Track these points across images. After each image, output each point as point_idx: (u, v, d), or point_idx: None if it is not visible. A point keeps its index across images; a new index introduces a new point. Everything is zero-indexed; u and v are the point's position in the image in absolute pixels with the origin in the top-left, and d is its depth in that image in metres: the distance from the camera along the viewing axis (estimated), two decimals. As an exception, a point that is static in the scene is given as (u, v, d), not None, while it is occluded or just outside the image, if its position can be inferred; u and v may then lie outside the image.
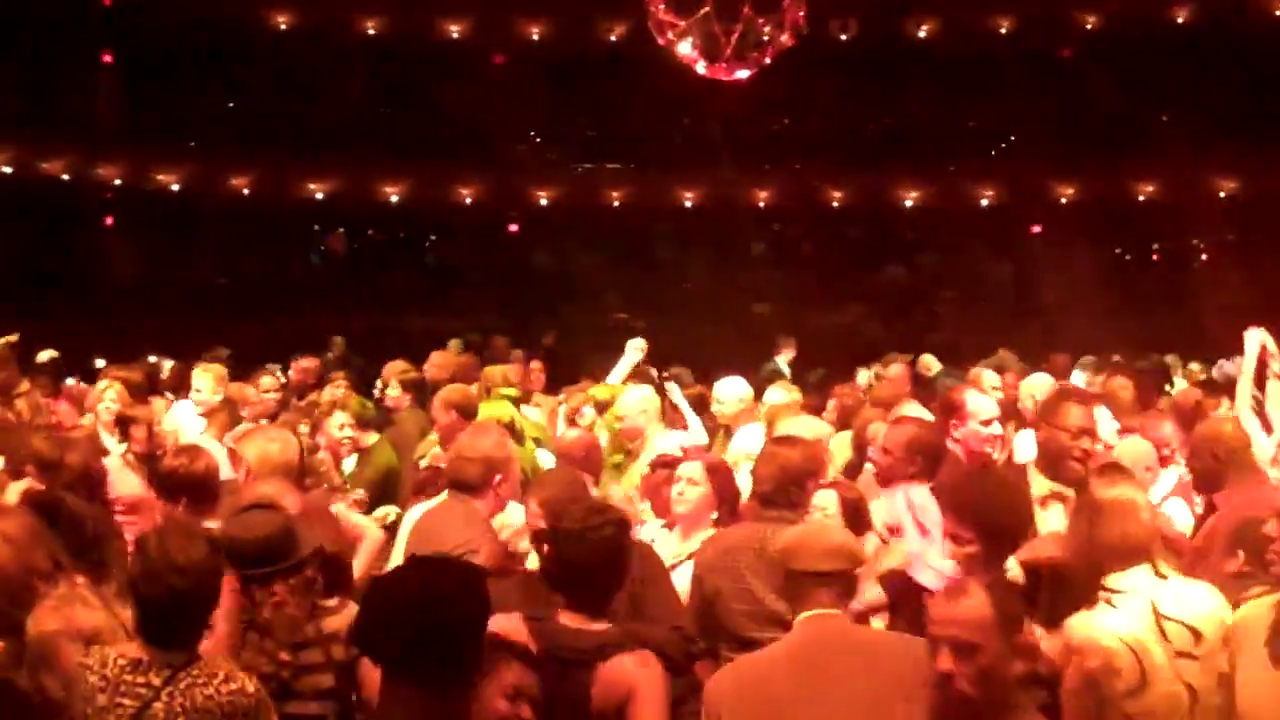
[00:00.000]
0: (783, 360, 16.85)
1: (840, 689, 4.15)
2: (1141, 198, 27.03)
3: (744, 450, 7.66)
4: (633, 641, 4.38)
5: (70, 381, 11.35)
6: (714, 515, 6.07)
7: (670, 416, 9.57)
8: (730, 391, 9.43)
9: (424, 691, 3.32)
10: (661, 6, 13.13)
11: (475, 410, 8.31)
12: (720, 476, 6.14)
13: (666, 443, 7.73)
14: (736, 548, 5.62)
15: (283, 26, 27.88)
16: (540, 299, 26.57)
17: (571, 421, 9.93)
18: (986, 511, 4.98)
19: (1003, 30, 27.22)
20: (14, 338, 11.13)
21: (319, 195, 28.08)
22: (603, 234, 30.15)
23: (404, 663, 3.33)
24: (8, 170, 25.90)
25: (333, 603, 4.66)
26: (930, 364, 15.03)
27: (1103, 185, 26.81)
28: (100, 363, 15.16)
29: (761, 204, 27.99)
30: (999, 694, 3.69)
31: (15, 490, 6.04)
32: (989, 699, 3.66)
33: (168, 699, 3.82)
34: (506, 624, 4.08)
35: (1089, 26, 27.07)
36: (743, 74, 13.54)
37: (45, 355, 13.93)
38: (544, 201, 28.21)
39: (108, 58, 28.20)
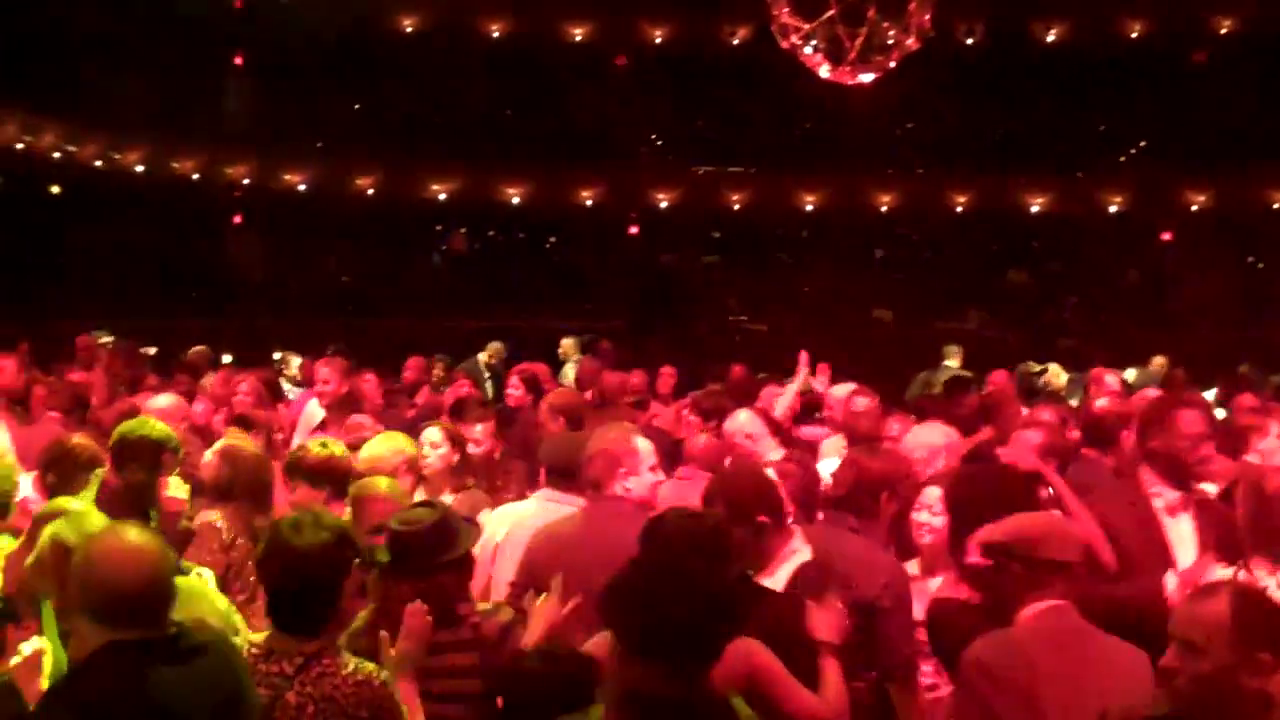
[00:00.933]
0: (952, 363, 16.28)
1: (1091, 673, 4.17)
2: (1275, 205, 26.38)
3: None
4: None
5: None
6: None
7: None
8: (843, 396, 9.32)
9: (669, 668, 3.36)
10: (785, 10, 13.06)
11: (583, 417, 8.20)
12: (793, 479, 5.95)
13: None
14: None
15: (409, 29, 28.23)
16: (659, 301, 26.57)
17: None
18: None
19: (1134, 34, 26.74)
20: (107, 337, 11.42)
21: (442, 196, 28.36)
22: (723, 237, 30.13)
23: (655, 641, 3.37)
24: (140, 169, 26.49)
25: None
26: (1055, 374, 14.74)
27: (1234, 192, 26.21)
28: (227, 359, 15.41)
29: (884, 208, 27.76)
30: (1217, 702, 3.56)
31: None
32: (1205, 706, 3.54)
33: (299, 688, 3.83)
34: None
35: (1223, 31, 26.50)
36: (867, 77, 13.43)
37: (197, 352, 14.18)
38: (664, 204, 28.23)
39: (238, 60, 28.74)
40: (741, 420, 7.58)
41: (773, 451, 7.15)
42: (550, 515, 5.75)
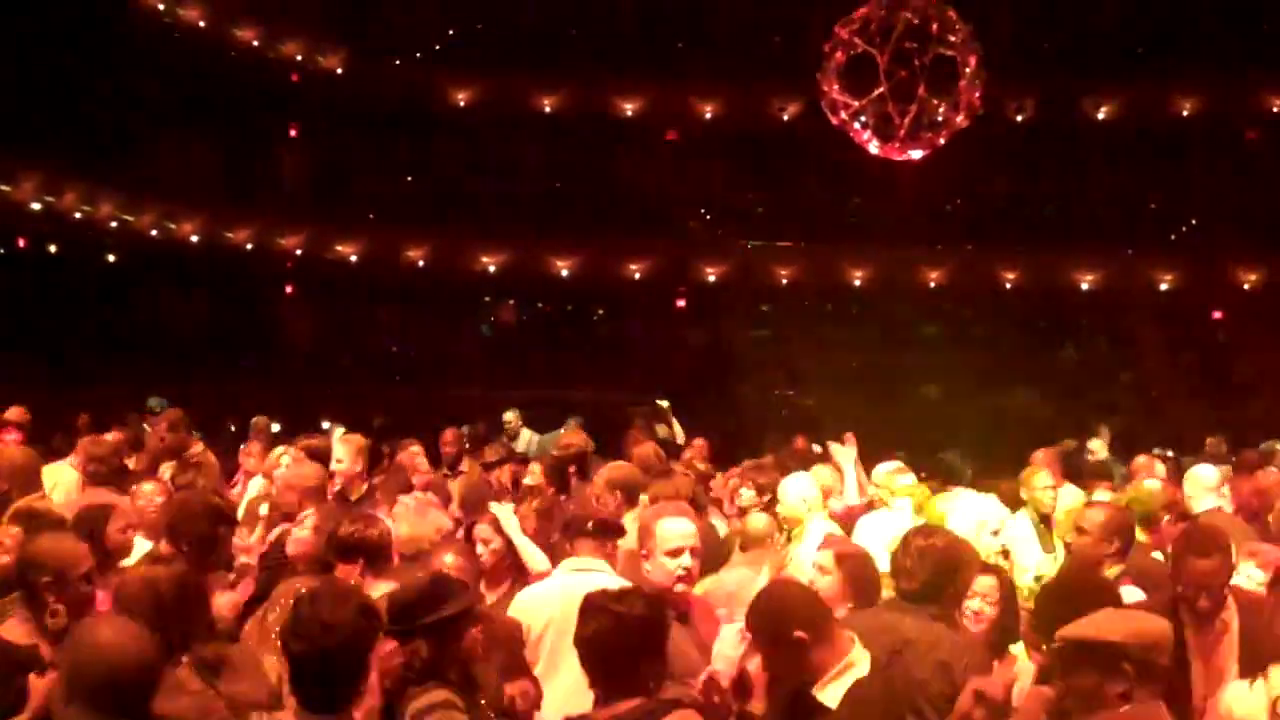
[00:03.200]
0: (1099, 444, 15.84)
1: None
2: (1327, 284, 26.19)
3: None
4: (669, 707, 4.22)
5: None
6: (847, 605, 5.79)
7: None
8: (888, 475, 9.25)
9: None
10: (835, 86, 13.11)
11: (640, 491, 8.14)
12: (852, 564, 5.87)
13: (824, 531, 7.54)
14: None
15: (461, 102, 28.54)
16: (706, 374, 26.53)
17: (730, 501, 9.75)
18: None
19: (1185, 111, 26.69)
20: (159, 404, 11.51)
21: (491, 267, 28.54)
22: (771, 311, 30.10)
23: None
24: (195, 239, 26.80)
25: None
26: (1098, 448, 14.60)
27: (1288, 270, 26.04)
28: (276, 427, 15.48)
29: (932, 284, 27.71)
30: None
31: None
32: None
33: None
34: None
35: (1275, 109, 26.42)
36: (916, 154, 13.45)
37: (260, 420, 14.24)
38: (713, 277, 28.29)
39: (292, 131, 29.11)
40: (801, 485, 7.59)
41: (821, 522, 7.18)
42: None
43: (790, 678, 4.53)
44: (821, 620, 4.56)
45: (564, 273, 28.43)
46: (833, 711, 4.45)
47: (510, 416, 15.75)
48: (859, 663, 4.54)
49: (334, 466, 9.21)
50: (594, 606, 4.27)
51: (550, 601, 5.72)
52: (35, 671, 4.31)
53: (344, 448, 9.32)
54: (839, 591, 5.70)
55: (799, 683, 4.49)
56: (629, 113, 28.57)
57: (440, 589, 4.62)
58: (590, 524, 6.03)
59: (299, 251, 28.44)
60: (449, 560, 5.61)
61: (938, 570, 5.34)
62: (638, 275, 28.39)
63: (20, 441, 10.09)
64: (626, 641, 4.16)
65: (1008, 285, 27.51)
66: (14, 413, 11.22)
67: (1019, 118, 26.80)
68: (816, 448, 12.03)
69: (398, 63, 28.64)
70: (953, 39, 12.69)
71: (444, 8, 29.34)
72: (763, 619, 4.56)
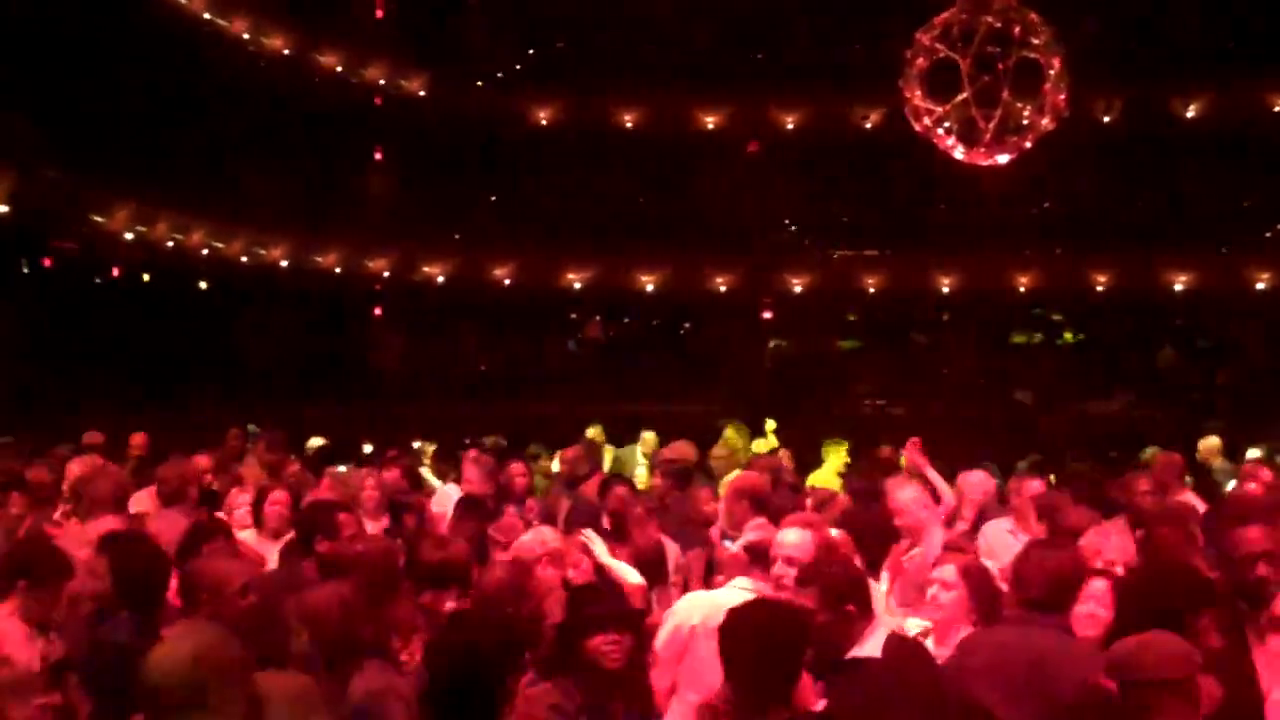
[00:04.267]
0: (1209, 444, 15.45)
1: None
2: None
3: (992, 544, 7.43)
4: None
5: (342, 468, 11.61)
6: (971, 619, 5.76)
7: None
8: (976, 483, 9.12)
9: None
10: (918, 92, 12.99)
11: (768, 500, 8.11)
12: (975, 579, 5.84)
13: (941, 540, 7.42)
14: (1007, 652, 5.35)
15: (543, 121, 28.69)
16: (793, 385, 26.40)
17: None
18: None
19: (1277, 108, 26.20)
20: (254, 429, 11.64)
21: (577, 284, 28.62)
22: (859, 320, 29.94)
23: None
24: (284, 263, 27.12)
25: None
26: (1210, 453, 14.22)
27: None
28: (368, 448, 15.59)
29: (1022, 289, 27.38)
30: None
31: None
32: None
33: None
34: None
35: (1371, 104, 25.92)
36: (1002, 158, 13.28)
37: (314, 443, 14.39)
38: (798, 288, 28.16)
39: (378, 154, 29.40)
40: (908, 495, 7.50)
41: (939, 531, 7.09)
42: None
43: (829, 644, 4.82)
44: (868, 599, 5.07)
45: (649, 287, 28.46)
46: (873, 659, 4.83)
47: (593, 433, 15.75)
48: (881, 626, 5.04)
49: (464, 487, 9.31)
50: (742, 617, 4.39)
51: (701, 606, 5.76)
52: None
53: (475, 469, 9.44)
54: (963, 607, 5.73)
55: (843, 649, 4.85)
56: (710, 126, 28.57)
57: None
58: (742, 548, 6.11)
59: (386, 273, 28.70)
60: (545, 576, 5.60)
61: (1059, 580, 5.30)
62: (723, 288, 28.34)
63: (135, 468, 10.25)
64: (773, 655, 4.27)
65: (1099, 289, 27.11)
66: (138, 439, 11.43)
67: (1106, 119, 26.45)
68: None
69: (479, 84, 28.84)
70: (1036, 41, 12.51)
71: (523, 28, 29.53)
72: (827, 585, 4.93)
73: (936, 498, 8.56)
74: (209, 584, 4.85)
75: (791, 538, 5.58)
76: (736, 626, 4.29)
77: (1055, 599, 5.31)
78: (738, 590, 5.92)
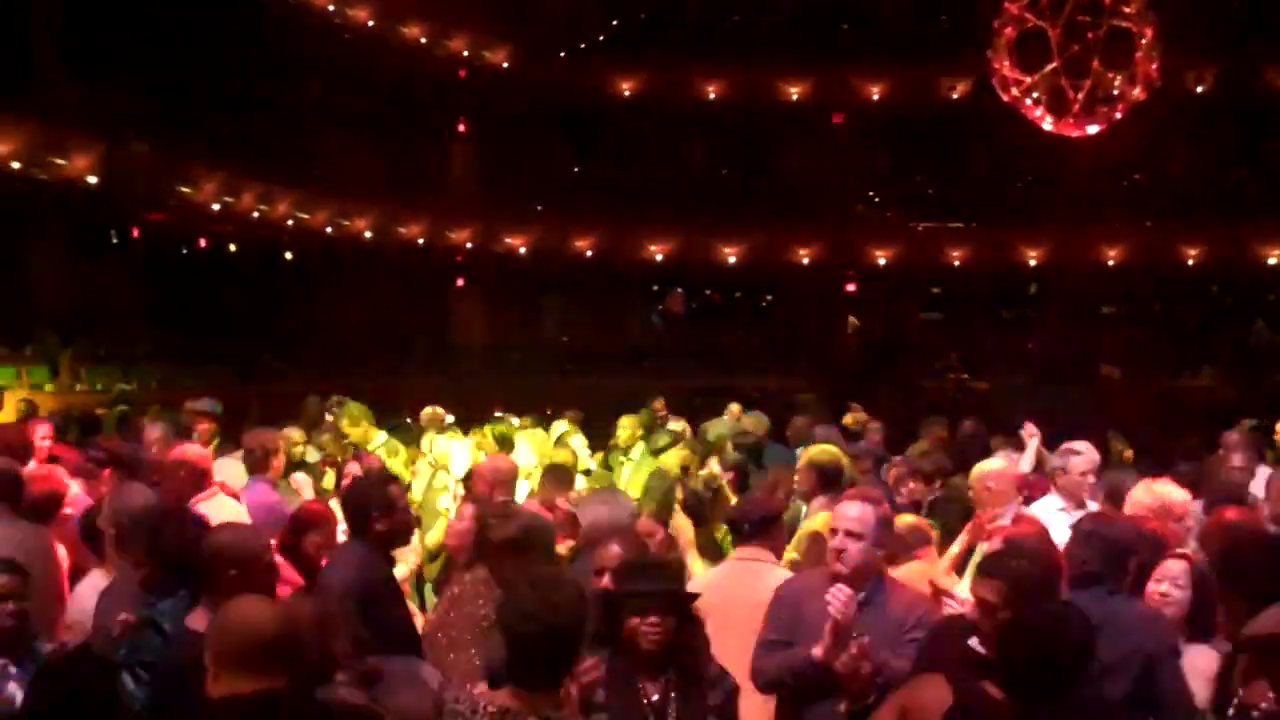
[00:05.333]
0: None
1: None
2: None
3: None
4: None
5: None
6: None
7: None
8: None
9: None
10: (1006, 62, 12.80)
11: (839, 472, 8.06)
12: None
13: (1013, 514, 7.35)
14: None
15: (626, 93, 28.62)
16: (877, 359, 26.22)
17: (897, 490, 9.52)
18: None
19: (1374, 76, 25.64)
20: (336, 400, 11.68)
21: (659, 256, 28.59)
22: (943, 293, 29.68)
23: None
24: (368, 235, 27.30)
25: None
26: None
27: None
28: (449, 419, 15.65)
29: (1111, 262, 26.99)
30: None
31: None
32: None
33: None
34: None
35: None
36: (1092, 129, 13.06)
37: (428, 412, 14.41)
38: (882, 260, 27.96)
39: (461, 127, 29.48)
40: (991, 468, 7.41)
41: (1013, 508, 7.00)
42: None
43: None
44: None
45: (731, 259, 28.38)
46: None
47: (658, 404, 15.73)
48: None
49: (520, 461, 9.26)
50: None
51: (713, 586, 5.75)
52: None
53: (527, 443, 9.42)
54: None
55: None
56: (794, 97, 28.38)
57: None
58: (747, 526, 6.06)
59: (469, 245, 28.83)
60: (613, 550, 5.57)
61: (1108, 554, 5.23)
62: (806, 260, 28.20)
63: (210, 434, 10.30)
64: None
65: (1190, 262, 26.67)
66: (203, 404, 11.48)
67: (1199, 89, 25.96)
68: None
69: (562, 55, 28.82)
70: (1128, 10, 12.29)
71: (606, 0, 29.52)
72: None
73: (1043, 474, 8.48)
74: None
75: (852, 511, 5.52)
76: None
77: (1101, 571, 5.27)
78: (738, 562, 6.02)
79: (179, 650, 4.41)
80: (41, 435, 8.83)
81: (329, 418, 12.00)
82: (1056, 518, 7.22)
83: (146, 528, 5.33)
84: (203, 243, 25.77)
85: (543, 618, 3.92)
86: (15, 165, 19.66)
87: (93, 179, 20.81)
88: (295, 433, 10.14)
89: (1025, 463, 8.81)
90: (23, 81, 20.21)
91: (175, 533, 5.17)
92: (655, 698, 4.43)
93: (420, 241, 28.27)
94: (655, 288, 31.12)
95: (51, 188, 20.56)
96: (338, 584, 5.31)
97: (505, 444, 10.28)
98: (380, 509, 5.98)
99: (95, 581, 5.79)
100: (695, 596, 4.70)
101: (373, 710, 4.14)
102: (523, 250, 28.72)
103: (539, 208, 29.19)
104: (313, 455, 10.15)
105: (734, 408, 14.74)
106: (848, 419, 13.51)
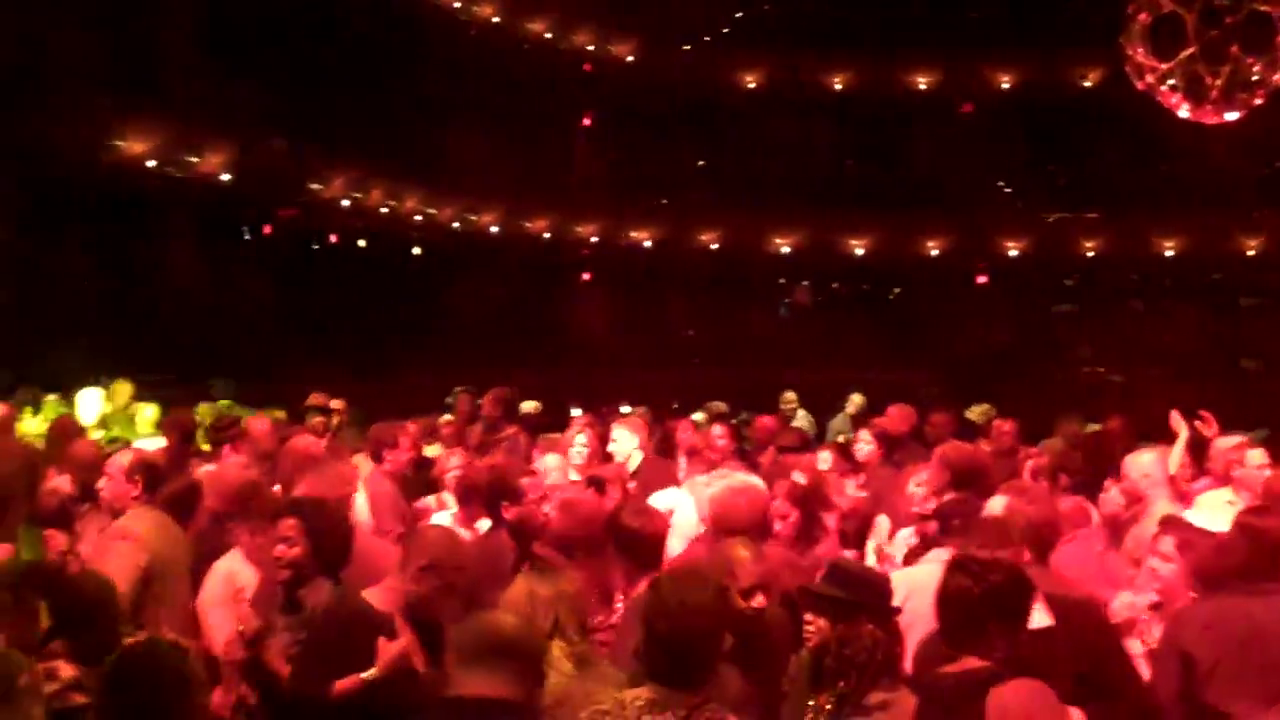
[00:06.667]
0: None
1: None
2: None
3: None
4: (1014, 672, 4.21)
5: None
6: (1190, 593, 5.57)
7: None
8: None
9: None
10: (1141, 49, 12.49)
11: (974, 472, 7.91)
12: (1195, 552, 5.63)
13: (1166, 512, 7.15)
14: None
15: (751, 85, 28.52)
16: (1010, 352, 25.82)
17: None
18: None
19: None
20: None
21: (785, 249, 28.47)
22: (1076, 285, 29.17)
23: None
24: (495, 229, 27.52)
25: None
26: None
27: None
28: (576, 411, 15.68)
29: (1250, 252, 26.30)
30: None
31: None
32: None
33: None
34: None
35: None
36: (1231, 116, 12.70)
37: (528, 406, 14.51)
38: (1014, 252, 27.55)
39: (586, 121, 29.58)
40: (1145, 461, 7.23)
41: (1165, 503, 6.83)
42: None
43: None
44: None
45: (858, 252, 28.17)
46: None
47: (790, 397, 15.62)
48: None
49: (612, 447, 9.25)
50: (957, 567, 4.48)
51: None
52: (386, 636, 4.76)
53: (623, 431, 9.39)
54: (1181, 580, 5.59)
55: None
56: (921, 87, 28.08)
57: None
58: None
59: (595, 239, 28.92)
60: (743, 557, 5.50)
61: (1271, 549, 5.16)
62: (935, 252, 27.90)
63: (325, 427, 10.45)
64: (980, 605, 4.33)
65: (1337, 251, 25.94)
66: (316, 399, 11.64)
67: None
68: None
69: (687, 48, 28.78)
70: (1269, -7, 11.94)
71: (731, -9, 29.45)
72: None
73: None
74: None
75: (996, 506, 5.44)
76: None
77: (1261, 567, 5.11)
78: (934, 564, 5.73)
79: (323, 634, 4.76)
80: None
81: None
82: (1225, 511, 7.02)
83: (300, 515, 5.41)
84: (333, 238, 26.14)
85: (682, 617, 3.98)
86: (150, 163, 20.09)
87: (225, 176, 21.23)
88: (416, 426, 10.18)
89: (1175, 456, 8.56)
90: (157, 81, 20.65)
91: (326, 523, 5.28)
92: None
93: (546, 236, 28.44)
94: (781, 281, 30.96)
95: (185, 185, 20.97)
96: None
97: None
98: (509, 498, 6.11)
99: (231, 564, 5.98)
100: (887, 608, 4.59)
101: None
102: (648, 244, 28.77)
103: (664, 201, 29.22)
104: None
105: (855, 398, 14.59)
106: (973, 413, 13.30)
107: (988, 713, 3.92)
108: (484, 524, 7.08)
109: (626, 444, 9.24)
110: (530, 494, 6.98)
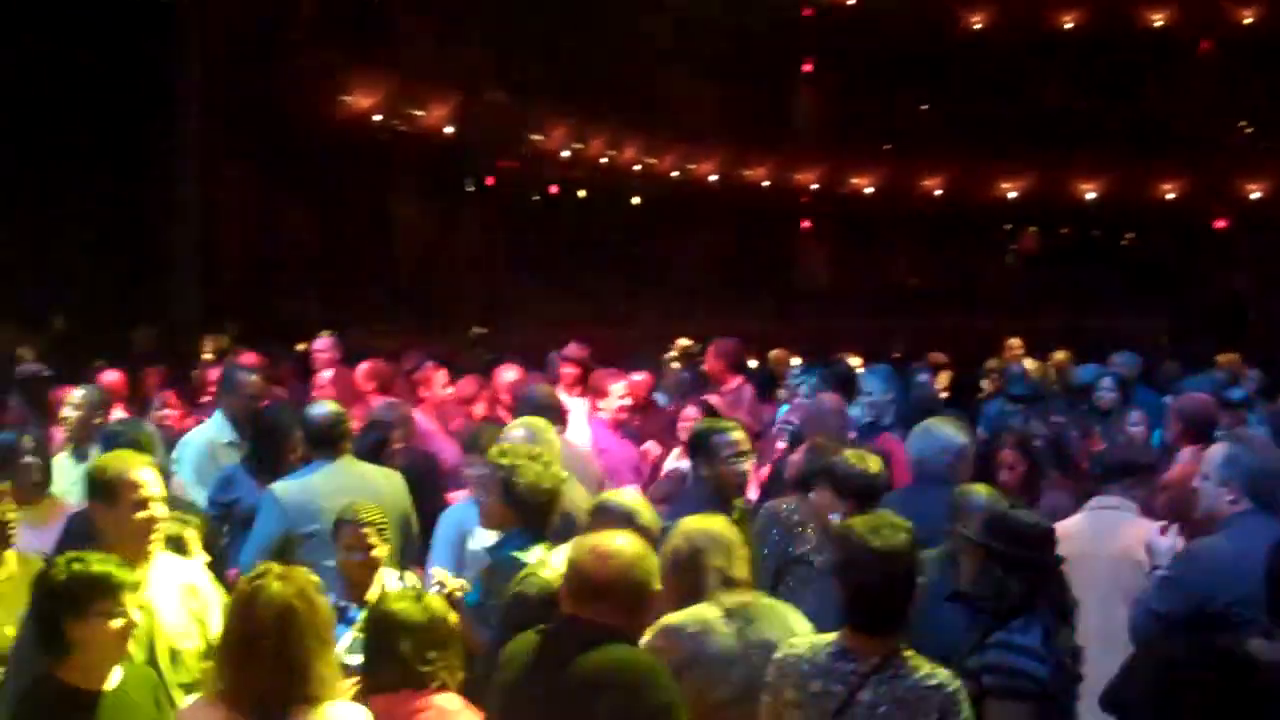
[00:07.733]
0: None
1: None
2: None
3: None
4: None
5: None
6: None
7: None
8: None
9: None
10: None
11: (1209, 423, 7.58)
12: None
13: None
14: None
15: (978, 26, 27.93)
16: (1253, 300, 24.75)
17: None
18: None
19: None
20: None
21: (1012, 194, 27.92)
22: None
23: None
24: (713, 178, 27.51)
25: None
26: None
27: None
28: (795, 361, 15.52)
29: None
30: None
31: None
32: None
33: (874, 687, 3.97)
34: None
35: None
36: None
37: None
38: (1256, 195, 26.44)
39: (807, 67, 29.34)
40: None
41: None
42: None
43: None
44: None
45: (1089, 196, 27.42)
46: None
47: (1015, 343, 15.18)
48: None
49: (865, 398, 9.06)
50: None
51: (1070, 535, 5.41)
52: None
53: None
54: None
55: None
56: (1157, 25, 27.12)
57: None
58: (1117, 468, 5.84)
59: (814, 186, 28.74)
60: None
61: None
62: (1171, 196, 26.96)
63: (576, 378, 10.43)
64: None
65: None
66: (573, 350, 11.67)
67: None
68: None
69: (908, -10, 28.33)
70: None
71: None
72: None
73: None
74: None
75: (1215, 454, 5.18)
76: None
77: None
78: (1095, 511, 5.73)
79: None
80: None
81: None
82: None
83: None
84: (553, 189, 26.41)
85: (877, 564, 3.99)
86: (376, 118, 20.74)
87: (448, 129, 21.70)
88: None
89: None
90: (382, 38, 21.24)
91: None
92: None
93: (766, 184, 28.35)
94: (1008, 227, 30.33)
95: (410, 138, 21.57)
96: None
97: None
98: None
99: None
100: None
101: None
102: (869, 191, 28.47)
103: (886, 147, 28.86)
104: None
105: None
106: (1223, 360, 12.68)
107: None
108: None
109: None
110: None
